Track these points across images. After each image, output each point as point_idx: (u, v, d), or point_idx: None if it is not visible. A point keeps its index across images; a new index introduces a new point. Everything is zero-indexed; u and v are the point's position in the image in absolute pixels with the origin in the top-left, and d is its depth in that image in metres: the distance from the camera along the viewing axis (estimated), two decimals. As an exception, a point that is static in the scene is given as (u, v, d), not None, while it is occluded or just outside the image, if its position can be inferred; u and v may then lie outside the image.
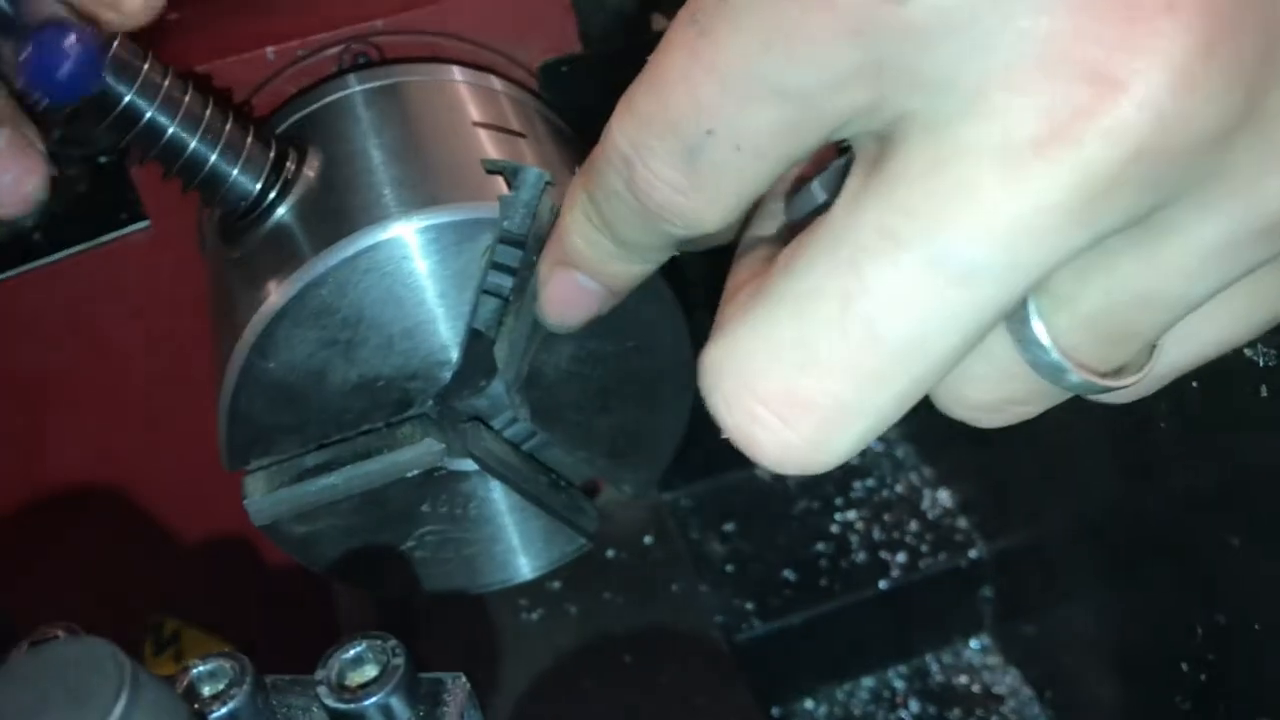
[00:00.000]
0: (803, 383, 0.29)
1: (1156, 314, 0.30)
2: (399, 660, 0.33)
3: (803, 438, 0.29)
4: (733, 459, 0.93)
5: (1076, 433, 0.65)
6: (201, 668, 0.34)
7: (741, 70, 0.28)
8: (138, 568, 0.77)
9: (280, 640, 0.65)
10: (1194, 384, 0.52)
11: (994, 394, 0.32)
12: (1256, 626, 0.54)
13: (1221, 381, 0.51)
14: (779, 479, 0.88)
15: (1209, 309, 0.30)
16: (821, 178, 0.33)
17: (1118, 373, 0.31)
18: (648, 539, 0.81)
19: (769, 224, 0.37)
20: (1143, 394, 0.33)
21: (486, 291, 0.52)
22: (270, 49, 0.60)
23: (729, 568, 0.83)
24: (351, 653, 0.33)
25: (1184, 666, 0.61)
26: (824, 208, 0.31)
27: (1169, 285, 0.29)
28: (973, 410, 0.33)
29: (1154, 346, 0.32)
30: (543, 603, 0.77)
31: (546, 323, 0.44)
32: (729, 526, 0.85)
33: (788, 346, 0.29)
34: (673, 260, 0.40)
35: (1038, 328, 0.30)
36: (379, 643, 0.33)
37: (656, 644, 0.74)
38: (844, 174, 0.30)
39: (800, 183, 0.35)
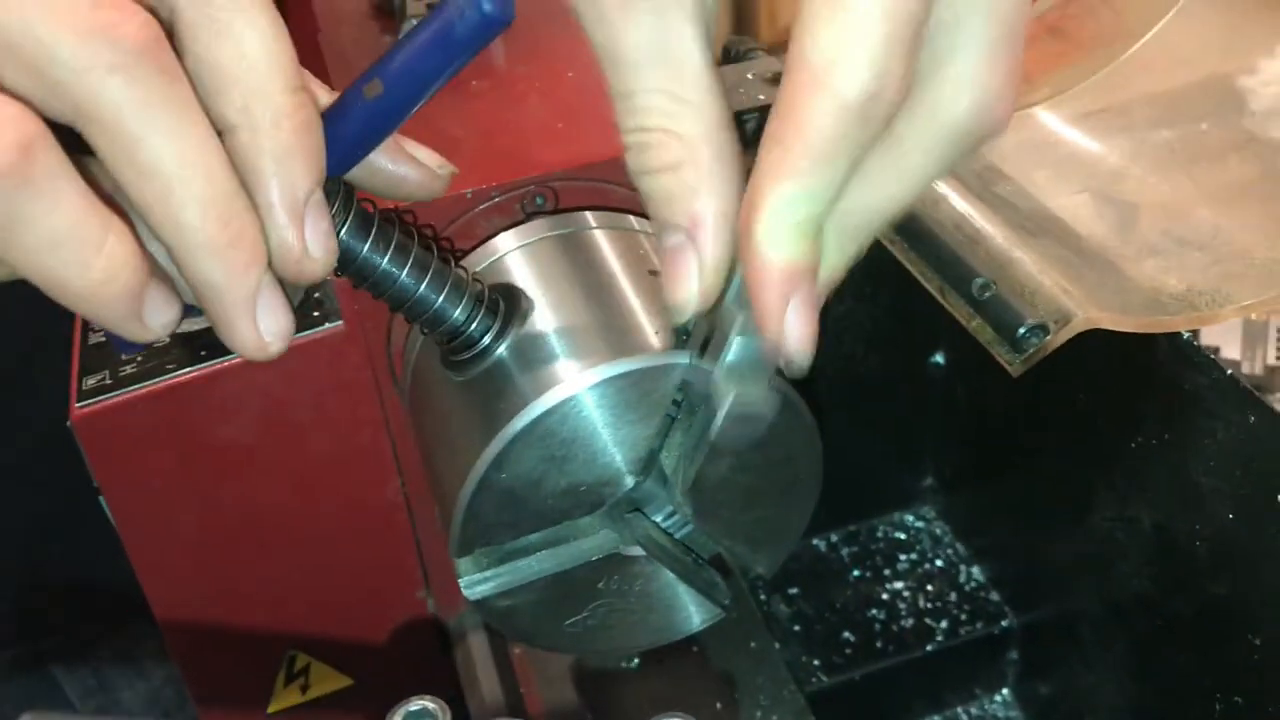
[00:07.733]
0: None
1: None
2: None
3: None
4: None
5: (1112, 536, 0.78)
6: (410, 708, 0.44)
7: None
8: (283, 610, 0.87)
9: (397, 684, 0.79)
10: (1230, 516, 0.65)
11: None
12: (1270, 710, 0.67)
13: (1254, 516, 0.64)
14: (834, 548, 1.00)
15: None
16: None
17: None
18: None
19: None
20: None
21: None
22: (469, 190, 0.71)
23: (795, 628, 0.94)
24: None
25: (1199, 734, 0.73)
26: None
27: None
28: None
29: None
30: (637, 654, 0.88)
31: (799, 361, 0.43)
32: (793, 590, 0.97)
33: None
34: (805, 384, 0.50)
35: None
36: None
37: (739, 693, 0.85)
38: None
39: None
